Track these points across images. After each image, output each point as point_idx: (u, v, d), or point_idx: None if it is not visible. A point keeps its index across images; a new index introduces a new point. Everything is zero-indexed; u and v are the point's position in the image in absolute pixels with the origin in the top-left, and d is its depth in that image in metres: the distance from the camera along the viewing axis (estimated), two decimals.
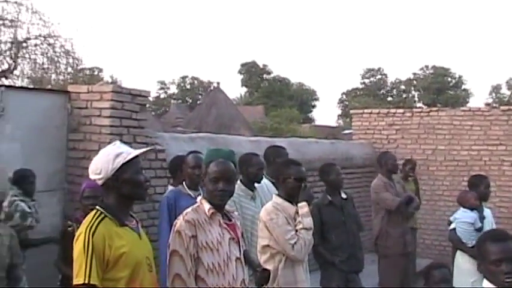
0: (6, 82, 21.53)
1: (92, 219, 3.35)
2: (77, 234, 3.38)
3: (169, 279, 3.64)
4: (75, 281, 3.25)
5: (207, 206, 3.81)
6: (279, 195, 5.45)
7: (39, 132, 7.04)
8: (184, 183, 6.31)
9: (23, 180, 6.31)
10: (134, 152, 3.51)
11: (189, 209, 3.83)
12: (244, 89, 75.07)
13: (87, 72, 35.82)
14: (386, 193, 8.11)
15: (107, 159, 3.45)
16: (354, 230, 6.95)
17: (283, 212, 5.28)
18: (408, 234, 8.31)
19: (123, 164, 3.43)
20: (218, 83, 45.82)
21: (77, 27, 31.88)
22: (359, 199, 9.92)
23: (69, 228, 5.79)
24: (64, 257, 5.72)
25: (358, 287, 6.83)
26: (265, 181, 6.59)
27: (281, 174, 5.44)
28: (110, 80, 52.52)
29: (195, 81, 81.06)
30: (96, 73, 51.24)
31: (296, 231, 5.24)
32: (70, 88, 7.58)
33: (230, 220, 3.92)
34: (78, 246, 3.29)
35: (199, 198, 3.95)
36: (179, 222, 3.72)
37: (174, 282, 3.61)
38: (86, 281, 3.20)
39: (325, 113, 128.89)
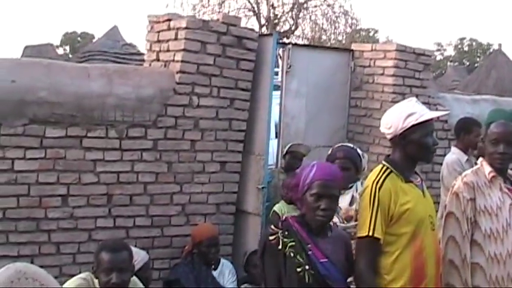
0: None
1: (378, 174, 3.39)
2: (363, 187, 3.43)
3: (443, 241, 3.58)
4: (359, 234, 3.33)
5: (487, 169, 3.64)
6: None
7: (323, 89, 7.26)
8: None
9: None
10: (427, 115, 3.43)
11: (469, 171, 3.72)
12: None
13: (363, 33, 35.99)
14: None
15: (398, 117, 3.43)
16: None
17: None
18: None
19: (414, 124, 3.38)
20: (500, 45, 43.21)
21: None
22: None
23: (271, 237, 3.32)
24: (264, 276, 3.41)
25: None
26: None
27: None
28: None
29: (474, 43, 77.57)
30: (371, 34, 51.39)
31: None
32: (353, 46, 7.71)
33: None
34: (364, 200, 3.35)
35: (479, 160, 3.78)
36: (457, 184, 3.62)
37: (448, 244, 3.55)
38: (370, 234, 3.26)
39: None
